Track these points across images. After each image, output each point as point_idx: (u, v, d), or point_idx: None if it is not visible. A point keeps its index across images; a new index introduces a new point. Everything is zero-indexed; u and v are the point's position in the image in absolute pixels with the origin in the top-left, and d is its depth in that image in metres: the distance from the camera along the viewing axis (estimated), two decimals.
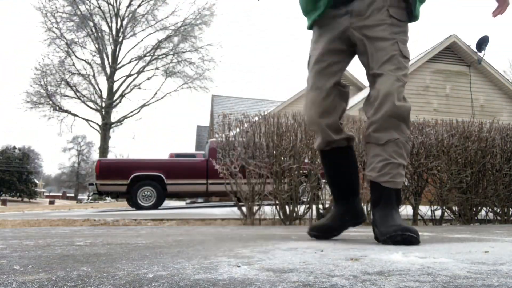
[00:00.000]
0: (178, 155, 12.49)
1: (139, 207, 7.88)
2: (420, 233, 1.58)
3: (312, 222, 4.15)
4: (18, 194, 49.00)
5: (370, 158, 1.67)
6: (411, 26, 1.80)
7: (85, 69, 24.48)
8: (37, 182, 60.76)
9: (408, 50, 1.69)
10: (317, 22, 1.79)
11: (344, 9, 1.69)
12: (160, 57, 25.77)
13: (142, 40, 26.09)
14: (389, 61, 1.62)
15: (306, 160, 4.18)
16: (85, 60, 24.50)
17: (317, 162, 4.12)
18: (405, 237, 1.51)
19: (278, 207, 4.10)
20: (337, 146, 1.78)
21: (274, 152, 4.10)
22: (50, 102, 23.47)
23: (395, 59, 1.62)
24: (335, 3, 1.70)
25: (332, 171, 1.85)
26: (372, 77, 1.67)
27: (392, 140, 1.60)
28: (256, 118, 4.41)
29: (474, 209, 4.41)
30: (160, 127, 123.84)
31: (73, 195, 67.09)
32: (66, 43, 23.87)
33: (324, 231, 1.85)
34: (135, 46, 25.99)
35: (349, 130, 4.18)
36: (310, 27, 1.85)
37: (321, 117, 1.73)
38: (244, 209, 4.21)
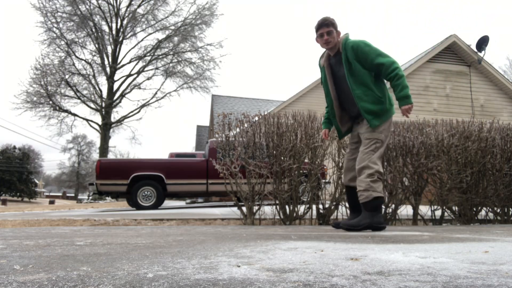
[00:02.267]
0: (178, 155, 12.49)
1: (139, 207, 7.88)
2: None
3: (312, 222, 4.15)
4: (18, 194, 49.01)
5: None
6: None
7: (85, 69, 24.47)
8: (37, 182, 60.78)
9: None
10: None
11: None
12: (160, 57, 25.76)
13: (142, 40, 26.09)
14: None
15: (306, 160, 4.17)
16: (85, 60, 24.49)
17: (317, 162, 4.12)
18: None
19: (278, 207, 4.10)
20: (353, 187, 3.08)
21: (274, 152, 4.10)
22: (50, 102, 23.44)
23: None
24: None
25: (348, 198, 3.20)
26: None
27: None
28: (256, 118, 4.41)
29: (474, 209, 4.40)
30: (160, 127, 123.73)
31: (73, 195, 67.09)
32: (66, 43, 23.84)
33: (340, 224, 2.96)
34: (135, 46, 25.99)
35: None
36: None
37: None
38: (244, 209, 4.21)
